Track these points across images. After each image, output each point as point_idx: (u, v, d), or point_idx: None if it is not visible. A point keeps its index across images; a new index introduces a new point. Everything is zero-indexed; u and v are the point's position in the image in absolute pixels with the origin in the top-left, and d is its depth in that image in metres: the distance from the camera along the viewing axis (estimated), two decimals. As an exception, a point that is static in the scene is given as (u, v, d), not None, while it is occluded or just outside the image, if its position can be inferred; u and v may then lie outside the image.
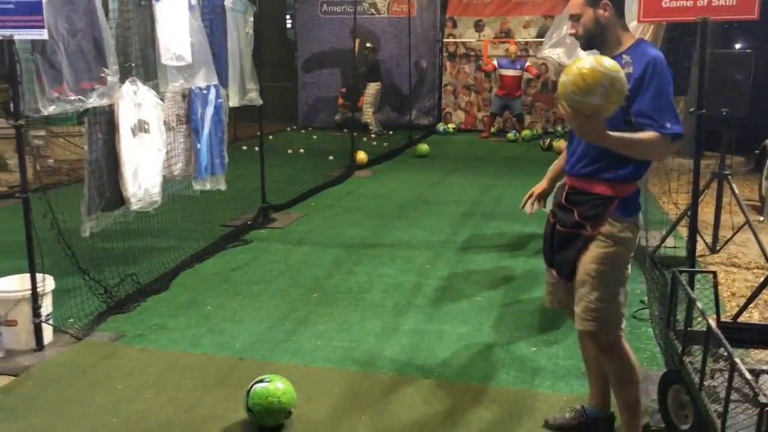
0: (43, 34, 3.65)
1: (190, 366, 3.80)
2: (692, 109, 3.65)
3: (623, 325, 2.77)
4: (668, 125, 2.56)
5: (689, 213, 4.10)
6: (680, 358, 2.96)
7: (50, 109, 3.82)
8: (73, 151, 10.01)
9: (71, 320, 4.33)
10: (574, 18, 2.78)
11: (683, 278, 3.17)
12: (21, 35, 3.66)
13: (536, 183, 3.29)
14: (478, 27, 14.37)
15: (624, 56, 2.65)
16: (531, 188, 3.28)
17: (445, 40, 14.55)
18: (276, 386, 3.15)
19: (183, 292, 4.94)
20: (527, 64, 13.20)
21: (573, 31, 2.81)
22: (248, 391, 3.16)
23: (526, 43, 13.95)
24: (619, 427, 2.98)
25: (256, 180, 7.11)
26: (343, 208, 7.67)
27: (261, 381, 3.18)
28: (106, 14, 4.30)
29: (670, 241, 5.51)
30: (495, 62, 13.30)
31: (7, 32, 3.64)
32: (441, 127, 14.23)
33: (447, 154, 11.70)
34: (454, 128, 14.40)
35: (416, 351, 4.01)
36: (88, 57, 4.09)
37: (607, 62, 2.47)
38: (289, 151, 11.39)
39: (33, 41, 3.76)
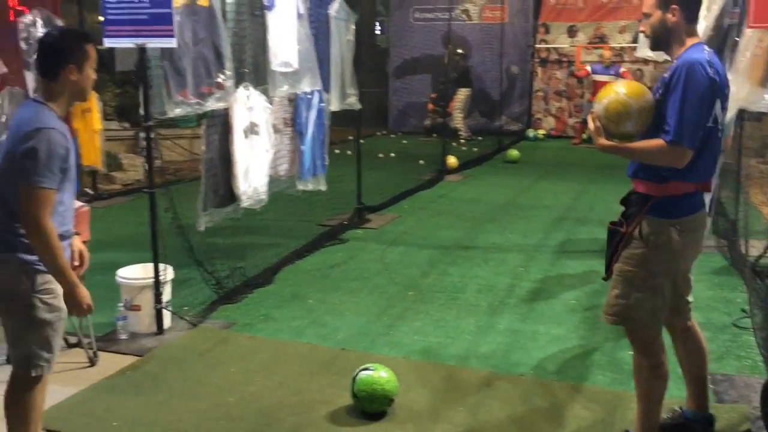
0: (173, 43, 3.98)
1: (297, 354, 4.04)
2: (801, 115, 3.59)
3: (656, 329, 2.80)
4: (669, 132, 2.58)
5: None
6: (785, 364, 2.94)
7: (176, 112, 4.15)
8: (179, 152, 10.60)
9: (186, 308, 4.66)
10: (646, 16, 2.83)
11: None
12: (153, 43, 4.01)
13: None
14: (571, 32, 14.23)
15: (673, 63, 2.72)
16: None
17: (537, 45, 14.48)
18: (380, 375, 3.33)
19: (286, 286, 5.22)
20: (622, 69, 12.97)
21: (643, 28, 2.87)
22: (354, 378, 3.35)
23: (621, 48, 13.71)
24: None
25: (349, 182, 7.35)
26: (435, 210, 7.82)
27: (366, 369, 3.36)
28: (225, 23, 4.61)
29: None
30: (588, 68, 13.14)
31: (140, 41, 4.00)
32: (531, 133, 14.17)
33: (537, 160, 11.66)
34: (544, 134, 14.30)
35: (511, 349, 4.11)
36: (208, 63, 4.41)
37: (632, 91, 2.64)
38: (380, 155, 11.64)
39: (162, 49, 4.10)
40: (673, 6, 2.72)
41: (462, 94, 13.63)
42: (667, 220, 2.70)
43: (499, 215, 7.55)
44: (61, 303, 2.63)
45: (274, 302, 4.89)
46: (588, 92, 13.50)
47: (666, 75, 2.69)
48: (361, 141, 7.44)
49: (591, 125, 2.75)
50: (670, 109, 2.61)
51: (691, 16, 2.76)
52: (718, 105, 2.66)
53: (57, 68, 2.59)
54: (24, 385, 2.68)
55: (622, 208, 2.89)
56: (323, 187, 6.16)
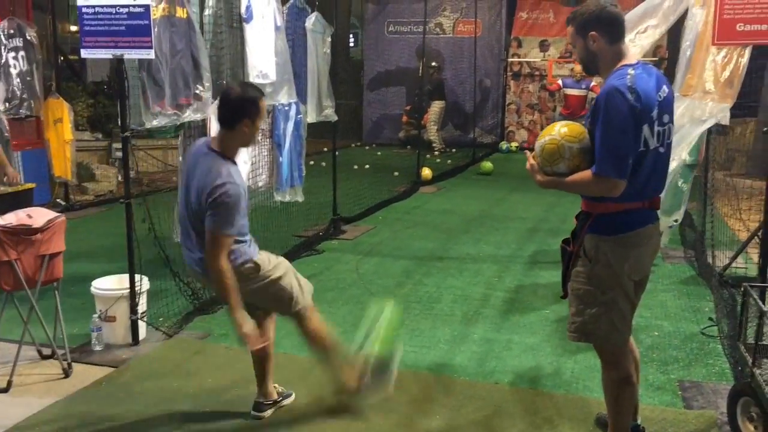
0: (151, 54, 3.99)
1: (274, 364, 4.04)
2: (766, 129, 3.72)
3: (619, 341, 2.83)
4: (596, 165, 2.61)
5: (760, 233, 4.15)
6: (750, 370, 3.04)
7: (153, 123, 4.16)
8: (152, 163, 10.54)
9: (161, 319, 4.65)
10: (573, 46, 2.91)
11: (754, 292, 3.24)
12: (131, 54, 4.02)
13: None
14: (543, 47, 14.47)
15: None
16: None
17: (510, 59, 14.69)
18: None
19: (262, 297, 5.21)
20: (592, 83, 13.19)
21: (574, 60, 2.94)
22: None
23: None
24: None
25: (324, 193, 7.39)
26: (410, 221, 7.88)
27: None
28: (202, 35, 4.64)
29: (739, 262, 5.51)
30: (560, 82, 13.35)
31: (118, 52, 4.00)
32: (504, 145, 14.35)
33: (510, 172, 11.81)
34: (516, 147, 14.49)
35: (486, 358, 4.16)
36: (186, 74, 4.43)
37: (570, 134, 2.69)
38: (355, 166, 11.70)
39: (140, 60, 4.11)
40: (591, 33, 2.75)
41: (436, 106, 13.77)
42: (604, 236, 2.73)
43: (473, 226, 7.63)
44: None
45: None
46: (560, 106, 13.70)
47: (593, 102, 2.74)
48: (336, 152, 7.49)
49: (528, 162, 2.83)
50: (596, 140, 2.63)
51: (613, 38, 2.74)
52: (646, 129, 2.62)
53: (235, 121, 2.98)
54: (301, 319, 3.33)
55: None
56: (300, 198, 6.18)
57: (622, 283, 2.77)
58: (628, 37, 4.94)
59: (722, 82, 4.22)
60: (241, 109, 2.97)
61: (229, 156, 3.04)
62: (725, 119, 4.34)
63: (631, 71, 2.64)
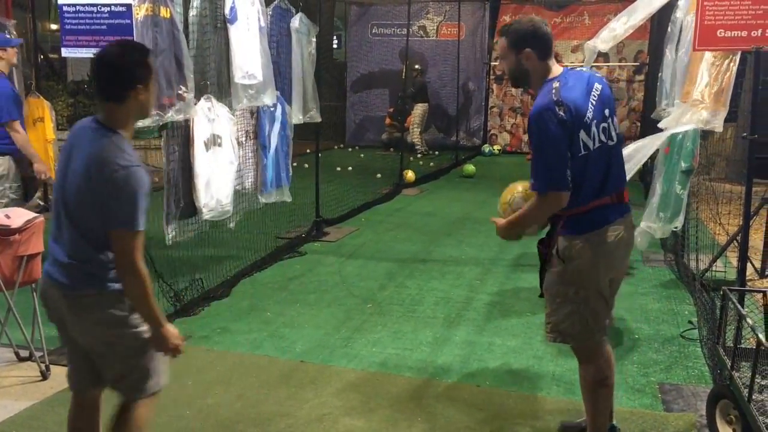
0: (133, 54, 3.95)
1: (255, 366, 4.03)
2: (744, 134, 3.76)
3: (593, 339, 2.90)
4: (535, 185, 2.75)
5: (739, 237, 4.20)
6: (729, 373, 3.07)
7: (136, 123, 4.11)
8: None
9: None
10: (502, 58, 2.99)
11: (733, 296, 3.28)
12: (112, 54, 3.97)
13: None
14: (526, 51, 14.53)
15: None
16: None
17: (493, 63, 14.75)
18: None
19: (244, 299, 5.20)
20: (574, 87, 13.30)
21: (499, 70, 3.10)
22: None
23: (574, 67, 14.05)
24: None
25: (306, 195, 7.37)
26: (393, 224, 7.89)
27: None
28: (187, 36, 4.61)
29: (719, 266, 5.57)
30: (542, 86, 13.44)
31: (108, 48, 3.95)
32: (486, 148, 14.40)
33: (493, 174, 11.85)
34: (499, 150, 14.55)
35: (468, 361, 4.17)
36: (169, 74, 4.39)
37: (527, 196, 3.01)
38: (338, 168, 11.68)
39: (122, 60, 4.07)
40: (526, 50, 2.82)
41: (419, 109, 13.79)
42: (576, 235, 2.80)
43: (456, 229, 7.65)
44: None
45: (232, 315, 4.87)
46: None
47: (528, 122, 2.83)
48: (319, 154, 7.48)
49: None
50: (534, 157, 2.74)
51: (544, 55, 2.83)
52: (583, 134, 2.70)
53: (124, 90, 2.40)
54: (139, 407, 2.58)
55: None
56: (288, 198, 6.19)
57: (594, 280, 2.82)
58: (609, 27, 5.02)
59: (716, 90, 4.27)
60: (129, 75, 2.40)
61: (127, 132, 2.47)
62: (719, 127, 4.39)
63: (555, 84, 2.74)
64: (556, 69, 2.85)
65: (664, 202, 5.09)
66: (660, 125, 5.12)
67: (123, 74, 2.41)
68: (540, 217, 2.85)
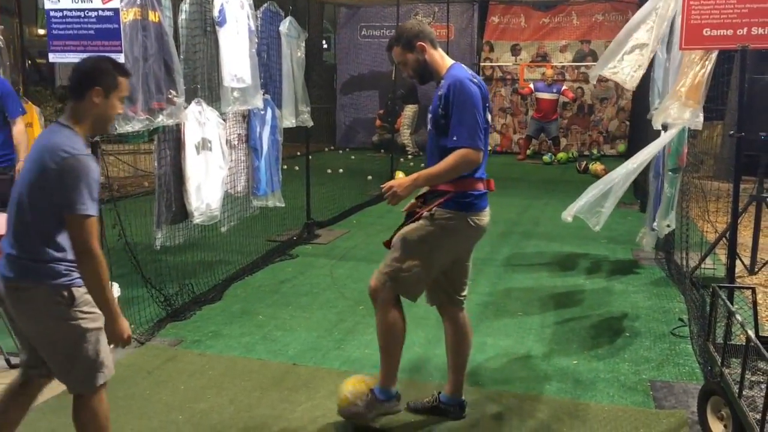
0: (121, 58, 3.94)
1: (247, 370, 4.02)
2: (732, 132, 3.79)
3: (414, 294, 3.31)
4: (458, 140, 3.02)
5: (727, 234, 4.22)
6: (720, 369, 3.09)
7: (126, 128, 4.10)
8: (122, 168, 10.41)
9: (133, 326, 4.58)
10: (401, 64, 3.30)
11: (722, 293, 3.30)
12: (100, 58, 3.96)
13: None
14: (515, 51, 14.59)
15: (442, 81, 3.19)
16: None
17: (482, 63, 14.78)
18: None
19: (235, 303, 5.19)
20: (563, 87, 13.38)
21: (406, 74, 3.38)
22: None
23: (563, 67, 14.13)
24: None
25: (297, 197, 7.36)
26: (384, 225, 7.88)
27: None
28: (176, 40, 4.60)
29: (708, 263, 5.60)
30: (531, 86, 13.49)
31: (87, 56, 3.94)
32: (477, 149, 14.42)
33: (483, 175, 11.86)
34: (489, 150, 14.57)
35: (460, 361, 4.17)
36: (158, 79, 4.37)
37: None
38: (329, 170, 11.68)
39: (111, 64, 4.05)
40: (419, 43, 3.19)
41: (409, 110, 13.81)
42: (458, 211, 3.13)
43: (447, 230, 7.65)
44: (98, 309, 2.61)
45: (224, 319, 4.85)
46: (532, 109, 13.86)
47: (440, 92, 3.13)
48: (310, 156, 7.48)
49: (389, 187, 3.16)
50: (455, 120, 3.04)
51: (434, 44, 3.25)
52: (485, 111, 3.13)
53: (83, 88, 2.60)
54: (89, 400, 2.69)
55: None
56: (281, 203, 6.19)
57: (451, 252, 3.22)
58: (611, 64, 5.05)
59: (693, 87, 4.29)
60: (91, 76, 2.59)
61: (81, 130, 2.60)
62: (698, 124, 4.41)
63: (464, 67, 3.21)
64: (449, 59, 3.26)
65: (659, 201, 5.15)
66: (651, 120, 5.13)
67: (86, 74, 2.62)
68: (454, 174, 3.08)
